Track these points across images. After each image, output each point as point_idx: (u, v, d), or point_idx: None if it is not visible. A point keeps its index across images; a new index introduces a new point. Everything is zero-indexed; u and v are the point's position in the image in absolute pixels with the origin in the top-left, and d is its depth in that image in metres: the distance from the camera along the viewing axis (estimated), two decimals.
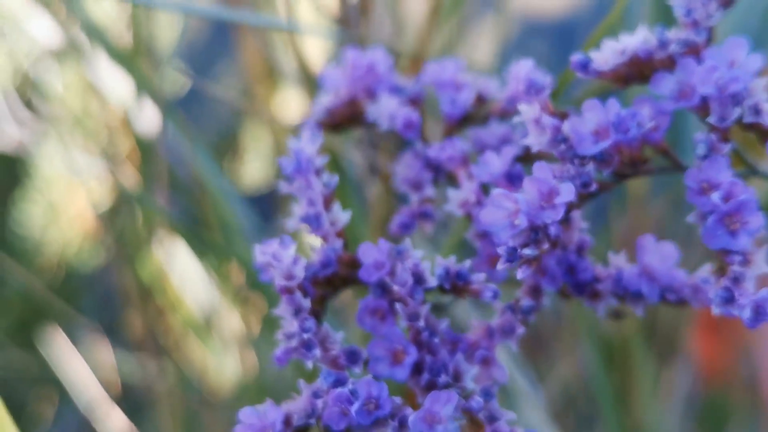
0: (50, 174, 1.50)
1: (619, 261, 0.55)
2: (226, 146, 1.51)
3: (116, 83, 1.04)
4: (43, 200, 1.54)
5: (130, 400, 1.46)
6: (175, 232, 1.09)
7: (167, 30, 1.55)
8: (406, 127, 0.60)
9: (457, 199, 0.57)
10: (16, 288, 1.52)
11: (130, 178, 1.13)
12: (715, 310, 0.50)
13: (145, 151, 1.06)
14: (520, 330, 0.54)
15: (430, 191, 0.61)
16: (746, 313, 0.48)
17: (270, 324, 0.99)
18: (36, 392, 1.54)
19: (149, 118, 1.00)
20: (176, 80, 1.47)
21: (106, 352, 1.50)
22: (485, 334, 0.54)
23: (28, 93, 1.35)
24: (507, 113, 0.63)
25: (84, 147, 1.29)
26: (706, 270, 0.53)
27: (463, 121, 0.63)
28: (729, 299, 0.50)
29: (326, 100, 0.64)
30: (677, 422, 1.33)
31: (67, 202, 1.51)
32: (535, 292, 0.55)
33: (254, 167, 1.53)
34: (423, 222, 0.61)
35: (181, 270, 1.16)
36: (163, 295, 1.17)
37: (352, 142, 0.78)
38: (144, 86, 0.92)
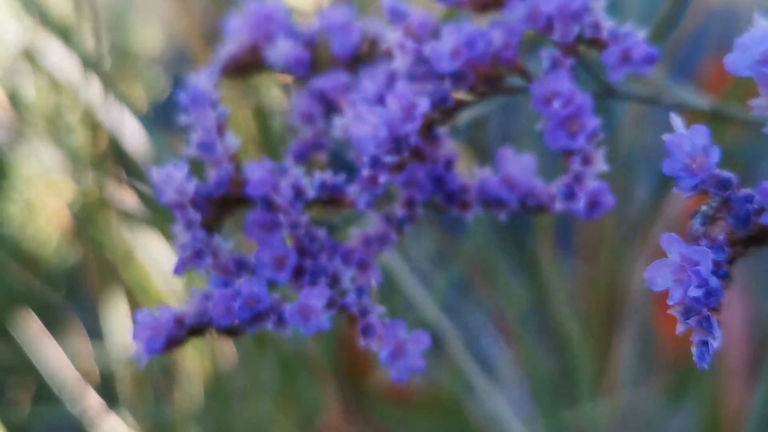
0: (26, 173, 1.56)
1: (483, 173, 0.60)
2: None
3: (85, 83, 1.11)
4: (20, 199, 1.59)
5: (109, 388, 1.52)
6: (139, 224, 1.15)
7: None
8: (297, 64, 0.65)
9: (340, 124, 0.62)
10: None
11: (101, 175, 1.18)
12: (558, 206, 0.55)
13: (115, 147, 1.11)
14: (394, 238, 0.59)
15: (321, 123, 0.66)
16: (581, 204, 0.54)
17: None
18: (12, 380, 1.59)
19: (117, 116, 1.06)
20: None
21: (83, 342, 1.55)
22: (363, 242, 0.59)
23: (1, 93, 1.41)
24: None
25: (57, 146, 1.35)
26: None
27: (354, 62, 0.69)
28: (570, 195, 0.55)
29: (230, 47, 0.70)
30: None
31: (44, 201, 1.56)
32: (410, 203, 0.60)
33: None
34: (317, 152, 0.67)
35: (149, 257, 1.21)
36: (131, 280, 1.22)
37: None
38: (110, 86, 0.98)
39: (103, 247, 1.22)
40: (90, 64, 0.97)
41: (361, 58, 0.69)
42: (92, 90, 1.02)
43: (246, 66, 0.71)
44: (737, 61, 0.49)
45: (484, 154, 1.01)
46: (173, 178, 0.58)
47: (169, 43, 1.93)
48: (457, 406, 1.10)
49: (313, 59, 0.69)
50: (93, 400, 1.30)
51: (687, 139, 0.48)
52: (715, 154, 0.47)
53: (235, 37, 0.70)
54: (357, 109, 0.56)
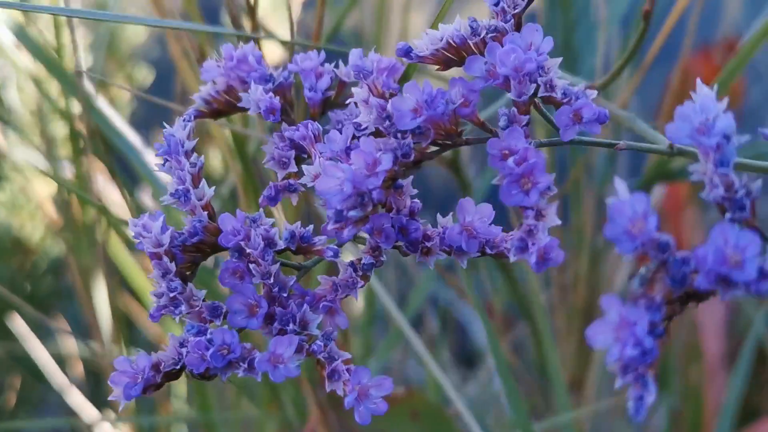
0: (13, 166, 1.58)
1: (445, 221, 0.63)
2: None
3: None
4: (7, 191, 1.62)
5: (92, 383, 1.56)
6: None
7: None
8: (268, 112, 0.68)
9: (310, 173, 0.65)
10: None
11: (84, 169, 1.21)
12: (512, 258, 0.58)
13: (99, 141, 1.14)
14: (361, 284, 0.62)
15: (293, 167, 0.69)
16: (532, 259, 0.57)
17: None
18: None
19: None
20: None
21: (68, 338, 1.59)
22: (330, 289, 0.63)
23: None
24: None
25: (42, 140, 1.38)
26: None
27: (325, 105, 0.72)
28: (523, 248, 0.59)
29: (205, 90, 0.73)
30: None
31: (29, 194, 1.59)
32: (375, 250, 0.63)
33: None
34: (289, 195, 0.70)
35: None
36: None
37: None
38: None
39: (86, 242, 1.24)
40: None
41: (332, 101, 0.72)
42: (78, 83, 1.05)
43: (222, 109, 0.73)
44: (677, 130, 0.52)
45: (459, 170, 1.04)
46: (149, 230, 0.61)
47: (152, 34, 1.96)
48: (436, 412, 1.13)
49: (287, 102, 0.71)
50: (78, 400, 1.34)
51: (628, 206, 0.51)
52: (653, 220, 0.51)
53: (211, 79, 0.73)
54: (323, 164, 0.59)
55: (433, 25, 0.69)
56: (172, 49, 1.02)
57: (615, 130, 1.21)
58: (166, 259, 0.61)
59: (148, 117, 1.79)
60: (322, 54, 0.72)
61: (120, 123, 1.16)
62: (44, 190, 1.56)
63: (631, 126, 0.78)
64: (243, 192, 0.99)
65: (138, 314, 1.45)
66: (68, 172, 1.35)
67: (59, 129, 1.44)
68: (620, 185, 0.52)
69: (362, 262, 0.63)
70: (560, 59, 0.61)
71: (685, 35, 1.22)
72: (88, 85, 1.23)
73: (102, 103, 1.15)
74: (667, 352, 1.58)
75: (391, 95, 0.63)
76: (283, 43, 1.03)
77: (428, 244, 0.63)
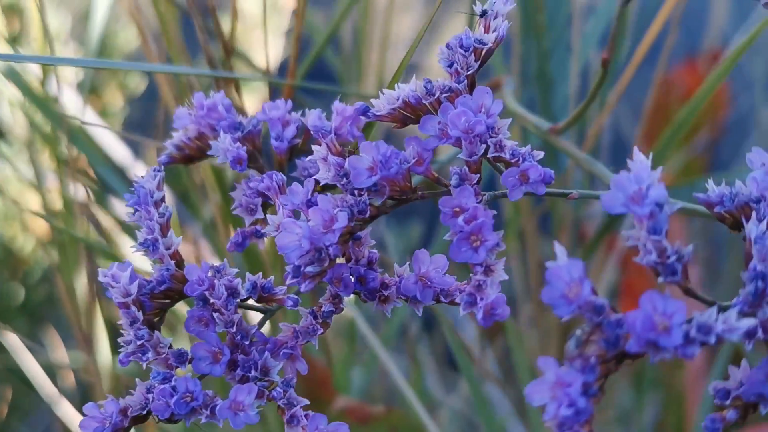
0: (4, 179, 1.61)
1: (401, 270, 0.66)
2: None
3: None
4: (1, 201, 1.65)
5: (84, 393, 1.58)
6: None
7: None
8: (235, 162, 0.71)
9: (274, 223, 0.68)
10: None
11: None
12: (461, 312, 0.61)
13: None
14: (320, 331, 0.65)
15: (260, 214, 0.72)
16: (479, 315, 0.60)
17: None
18: None
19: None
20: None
21: (60, 348, 1.62)
22: (291, 335, 0.66)
23: None
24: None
25: (34, 154, 1.40)
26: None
27: (292, 152, 0.75)
28: (472, 303, 0.62)
29: (176, 138, 0.76)
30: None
31: (22, 206, 1.62)
32: (335, 298, 0.66)
33: None
34: (256, 240, 0.73)
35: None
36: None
37: None
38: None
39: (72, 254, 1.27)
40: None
41: (299, 147, 0.75)
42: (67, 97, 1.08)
43: (193, 155, 0.76)
44: (612, 199, 0.55)
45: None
46: (118, 280, 0.64)
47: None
48: (415, 429, 1.16)
49: (255, 148, 0.74)
50: (69, 411, 1.37)
51: (565, 270, 0.54)
52: (588, 285, 0.54)
53: (182, 126, 0.76)
54: (283, 222, 0.62)
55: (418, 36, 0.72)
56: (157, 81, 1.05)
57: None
58: (134, 308, 0.64)
59: (143, 121, 1.82)
60: (289, 103, 0.74)
61: (109, 139, 1.19)
62: (36, 201, 1.59)
63: (590, 169, 0.81)
64: (221, 221, 1.02)
65: None
66: (53, 186, 1.37)
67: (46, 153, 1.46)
68: (559, 249, 0.55)
69: (322, 309, 0.66)
70: (510, 120, 0.63)
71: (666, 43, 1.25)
72: (77, 100, 1.27)
73: (90, 116, 1.18)
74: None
75: (350, 151, 0.65)
76: (263, 74, 1.06)
77: (386, 293, 0.66)
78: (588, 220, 1.29)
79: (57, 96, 1.11)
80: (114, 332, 1.43)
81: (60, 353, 1.62)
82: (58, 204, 1.33)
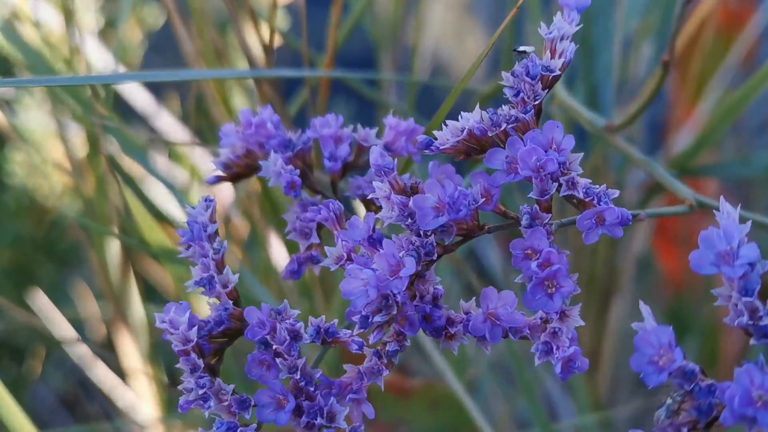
0: (30, 129, 1.58)
1: (468, 306, 0.64)
2: None
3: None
4: (26, 151, 1.63)
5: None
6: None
7: None
8: (288, 188, 0.68)
9: (332, 255, 0.65)
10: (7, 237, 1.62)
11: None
12: (537, 361, 0.59)
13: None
14: (386, 372, 0.63)
15: (315, 239, 0.70)
16: (557, 369, 0.58)
17: None
18: (26, 348, 1.66)
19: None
20: None
21: (89, 300, 1.61)
22: (356, 377, 0.64)
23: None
24: None
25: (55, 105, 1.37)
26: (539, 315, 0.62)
27: (345, 169, 0.72)
28: (548, 351, 0.59)
29: (224, 155, 0.73)
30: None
31: (47, 154, 1.59)
32: (399, 336, 0.64)
33: None
34: (312, 266, 0.70)
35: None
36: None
37: None
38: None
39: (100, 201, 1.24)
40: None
41: (352, 164, 0.72)
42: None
43: (242, 172, 0.73)
44: (700, 258, 0.52)
45: None
46: (176, 326, 0.62)
47: None
48: (455, 402, 1.16)
49: (306, 165, 0.71)
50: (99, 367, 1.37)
51: (653, 336, 0.52)
52: (679, 351, 0.51)
53: (229, 144, 0.73)
54: (347, 268, 0.59)
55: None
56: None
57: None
58: (194, 355, 0.62)
59: (161, 60, 1.78)
60: (340, 118, 0.71)
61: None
62: (59, 149, 1.56)
63: (648, 170, 0.78)
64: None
65: (155, 273, 1.47)
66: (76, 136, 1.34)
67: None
68: (646, 311, 0.53)
69: (387, 349, 0.64)
70: (581, 155, 0.60)
71: None
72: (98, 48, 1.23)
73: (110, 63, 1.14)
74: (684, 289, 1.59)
75: (413, 187, 0.63)
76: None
77: (452, 331, 0.64)
78: (628, 187, 1.26)
79: (78, 45, 1.08)
80: (145, 286, 1.42)
81: (89, 305, 1.61)
82: (81, 153, 1.30)
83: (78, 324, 1.54)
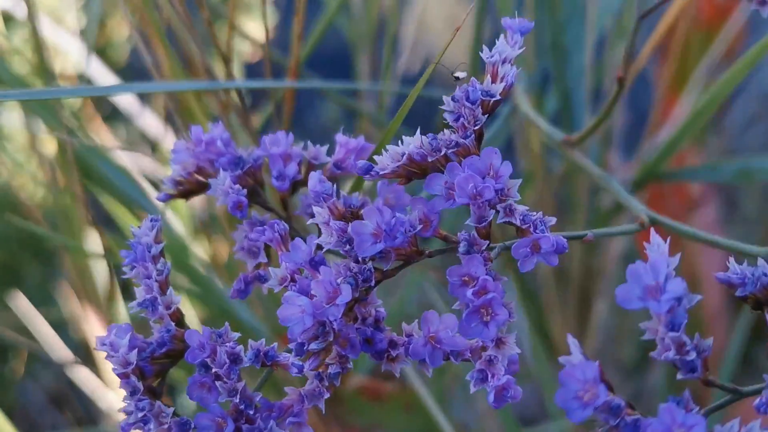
0: (13, 129, 1.59)
1: (409, 329, 0.64)
2: None
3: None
4: (10, 151, 1.63)
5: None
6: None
7: None
8: (235, 208, 0.68)
9: (276, 276, 0.65)
10: None
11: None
12: (472, 389, 0.59)
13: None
14: (327, 395, 0.63)
15: (263, 258, 0.69)
16: (490, 397, 0.58)
17: None
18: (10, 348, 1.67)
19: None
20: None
21: (72, 299, 1.61)
22: (298, 400, 0.64)
23: None
24: (334, 176, 0.71)
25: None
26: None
27: (295, 187, 0.72)
28: (483, 379, 0.59)
29: (175, 172, 0.72)
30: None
31: (30, 154, 1.60)
32: (342, 359, 0.64)
33: None
34: (259, 285, 0.70)
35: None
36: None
37: None
38: None
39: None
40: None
41: (301, 181, 0.72)
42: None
43: (193, 189, 0.73)
44: (628, 292, 0.52)
45: None
46: (117, 349, 0.62)
47: None
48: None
49: (257, 183, 0.71)
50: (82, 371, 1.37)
51: (579, 371, 0.51)
52: (603, 388, 0.51)
53: (181, 160, 0.72)
54: (285, 295, 0.59)
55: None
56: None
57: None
58: (133, 378, 0.62)
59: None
60: (290, 136, 0.71)
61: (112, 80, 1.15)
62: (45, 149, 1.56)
63: (605, 186, 0.78)
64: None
65: None
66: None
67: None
68: (573, 343, 0.52)
69: (328, 371, 0.64)
70: (519, 181, 0.60)
71: None
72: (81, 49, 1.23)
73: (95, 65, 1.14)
74: None
75: (353, 213, 0.62)
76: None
77: (394, 353, 0.64)
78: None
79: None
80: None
81: (73, 305, 1.61)
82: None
83: (62, 325, 1.55)
